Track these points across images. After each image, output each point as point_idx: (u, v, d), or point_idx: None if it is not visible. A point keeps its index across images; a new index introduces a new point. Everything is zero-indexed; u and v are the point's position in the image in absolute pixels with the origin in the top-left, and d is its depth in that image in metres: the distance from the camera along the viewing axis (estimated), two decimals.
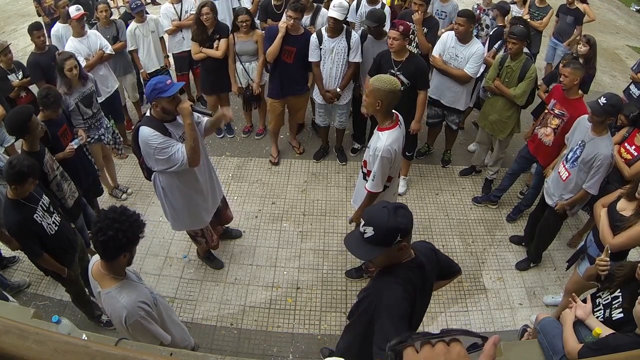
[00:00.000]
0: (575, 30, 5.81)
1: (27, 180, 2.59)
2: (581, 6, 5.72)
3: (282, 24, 4.03)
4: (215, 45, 4.47)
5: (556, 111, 3.63)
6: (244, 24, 4.36)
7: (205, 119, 3.06)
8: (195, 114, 2.86)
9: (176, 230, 3.54)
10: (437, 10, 4.99)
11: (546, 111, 3.75)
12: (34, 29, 4.29)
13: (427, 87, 3.99)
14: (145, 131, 2.68)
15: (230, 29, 4.56)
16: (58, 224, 2.88)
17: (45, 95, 3.27)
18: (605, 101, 2.95)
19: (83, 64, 4.13)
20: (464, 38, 4.04)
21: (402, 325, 1.60)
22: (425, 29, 4.36)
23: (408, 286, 1.70)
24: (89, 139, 3.85)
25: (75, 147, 3.47)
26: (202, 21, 4.33)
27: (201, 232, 3.43)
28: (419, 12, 4.20)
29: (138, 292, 2.01)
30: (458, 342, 0.89)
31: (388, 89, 2.57)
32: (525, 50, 4.04)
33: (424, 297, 1.89)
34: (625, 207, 2.73)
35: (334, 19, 3.92)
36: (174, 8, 5.11)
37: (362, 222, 1.70)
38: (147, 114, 2.80)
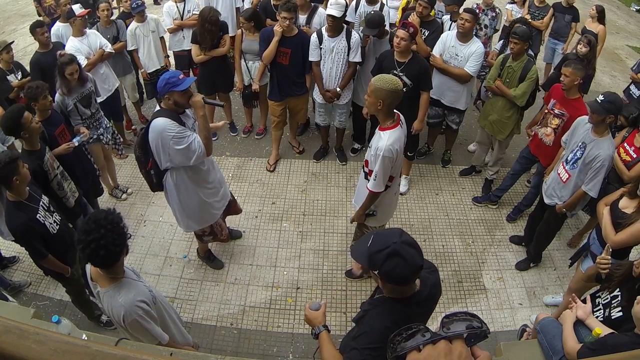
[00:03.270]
0: (572, 29, 5.79)
1: (17, 164, 2.52)
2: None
3: (277, 27, 4.04)
4: (222, 42, 4.53)
5: (556, 111, 3.63)
6: (245, 25, 4.44)
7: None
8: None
9: (189, 231, 3.53)
10: (435, 10, 4.98)
11: (546, 111, 3.75)
12: (37, 26, 4.28)
13: (430, 88, 3.99)
14: (161, 121, 2.70)
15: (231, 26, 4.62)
16: (59, 223, 2.88)
17: (28, 88, 3.27)
18: (603, 98, 2.95)
19: (84, 63, 4.13)
20: (465, 36, 4.05)
21: (366, 353, 1.57)
22: (425, 32, 4.36)
23: (398, 323, 1.59)
24: (89, 138, 3.85)
25: (76, 144, 3.45)
26: (212, 24, 4.30)
27: (210, 228, 3.44)
28: (422, 12, 4.19)
29: (136, 290, 2.01)
30: (460, 341, 0.88)
31: (390, 89, 2.56)
32: (528, 51, 4.04)
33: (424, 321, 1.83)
34: (627, 205, 2.74)
35: (333, 16, 3.92)
36: (177, 7, 5.11)
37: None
38: (158, 107, 2.84)
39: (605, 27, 5.56)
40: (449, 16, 4.68)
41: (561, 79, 3.48)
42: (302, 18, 4.57)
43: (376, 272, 1.55)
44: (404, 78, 3.73)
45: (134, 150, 3.02)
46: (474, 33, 4.23)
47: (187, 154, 2.78)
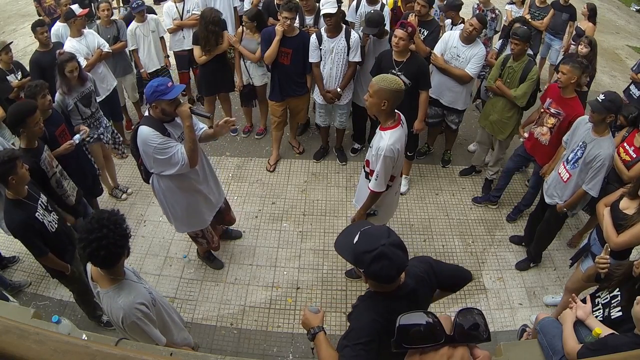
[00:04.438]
0: (570, 27, 5.81)
1: (15, 164, 2.51)
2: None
3: (279, 26, 4.03)
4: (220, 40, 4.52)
5: (552, 110, 3.63)
6: (247, 24, 4.45)
7: (202, 130, 3.05)
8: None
9: (180, 232, 3.54)
10: (436, 10, 4.98)
11: (542, 110, 3.75)
12: (37, 25, 4.29)
13: (429, 87, 3.99)
14: (145, 130, 2.68)
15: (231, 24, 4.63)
16: (57, 223, 2.88)
17: (27, 87, 3.26)
18: (603, 97, 2.95)
19: (83, 63, 4.13)
20: (470, 40, 4.04)
21: (358, 349, 1.57)
22: (425, 32, 4.35)
23: (385, 315, 1.61)
24: (88, 138, 3.85)
25: (77, 142, 3.44)
26: (215, 25, 4.30)
27: (202, 232, 3.43)
28: (420, 11, 4.19)
29: (136, 292, 2.01)
30: (464, 348, 0.89)
31: (393, 89, 2.56)
32: (528, 52, 4.04)
33: None
34: (628, 206, 2.72)
35: (330, 14, 3.91)
36: (177, 7, 5.12)
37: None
38: (146, 114, 2.81)
39: (595, 26, 5.61)
40: (449, 20, 4.68)
41: (558, 76, 3.48)
42: (309, 19, 4.58)
43: (362, 271, 1.58)
44: (403, 77, 3.72)
45: (129, 145, 3.02)
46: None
47: (169, 164, 2.76)
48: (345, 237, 1.66)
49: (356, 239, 1.58)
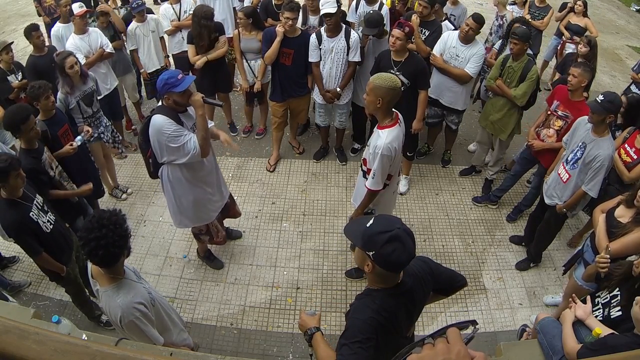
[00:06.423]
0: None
1: (9, 174, 2.52)
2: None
3: (280, 27, 4.03)
4: (218, 45, 4.49)
5: (559, 112, 3.63)
6: (242, 22, 4.41)
7: (211, 125, 3.08)
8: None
9: (181, 227, 3.52)
10: (446, 13, 4.96)
11: (549, 112, 3.75)
12: (32, 29, 4.22)
13: (428, 86, 3.98)
14: (159, 119, 2.72)
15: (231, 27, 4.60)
16: (53, 223, 2.87)
17: (30, 87, 3.26)
18: (603, 98, 2.95)
19: (83, 61, 4.13)
20: (468, 39, 4.05)
21: (356, 347, 1.56)
22: (426, 32, 4.35)
23: (382, 312, 1.63)
24: (91, 138, 3.84)
25: (79, 143, 3.44)
26: (208, 19, 4.27)
27: (206, 228, 3.43)
28: (422, 12, 4.19)
29: (135, 292, 2.01)
30: (459, 341, 0.89)
31: (388, 86, 2.57)
32: (528, 51, 4.04)
33: (409, 317, 1.80)
34: (623, 214, 2.72)
35: (330, 14, 3.91)
36: (173, 8, 5.11)
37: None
38: (160, 103, 2.85)
39: (591, 21, 5.69)
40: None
41: (569, 79, 3.47)
42: (312, 19, 4.58)
43: (371, 254, 1.54)
44: (401, 77, 3.72)
45: (137, 137, 3.02)
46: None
47: (181, 152, 2.79)
48: (356, 222, 1.66)
49: (370, 222, 1.57)
